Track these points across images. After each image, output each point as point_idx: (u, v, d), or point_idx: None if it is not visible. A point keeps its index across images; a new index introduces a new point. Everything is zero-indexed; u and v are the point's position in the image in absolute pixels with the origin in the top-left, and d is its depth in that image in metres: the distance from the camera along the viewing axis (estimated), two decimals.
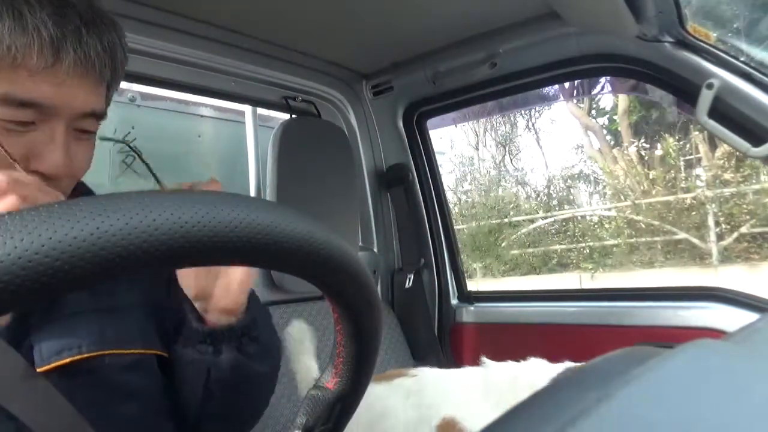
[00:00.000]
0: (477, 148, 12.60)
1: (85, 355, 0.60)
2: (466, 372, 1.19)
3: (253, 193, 1.60)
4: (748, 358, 0.31)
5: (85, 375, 0.60)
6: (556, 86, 8.48)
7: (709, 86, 1.09)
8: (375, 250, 1.69)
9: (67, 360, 0.59)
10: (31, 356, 0.58)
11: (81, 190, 0.71)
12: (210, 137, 3.42)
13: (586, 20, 1.21)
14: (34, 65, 0.55)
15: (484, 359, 1.18)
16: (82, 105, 0.60)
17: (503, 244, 9.56)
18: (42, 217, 0.24)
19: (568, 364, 1.03)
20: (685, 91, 1.17)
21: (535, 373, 1.04)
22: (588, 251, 8.90)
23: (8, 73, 0.55)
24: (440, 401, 1.12)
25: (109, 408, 0.62)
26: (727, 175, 7.60)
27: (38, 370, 0.57)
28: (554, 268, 9.11)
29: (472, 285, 2.15)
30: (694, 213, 7.90)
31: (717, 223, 7.58)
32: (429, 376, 1.20)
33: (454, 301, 1.67)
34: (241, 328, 0.63)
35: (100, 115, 0.64)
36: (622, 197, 9.20)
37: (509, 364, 1.15)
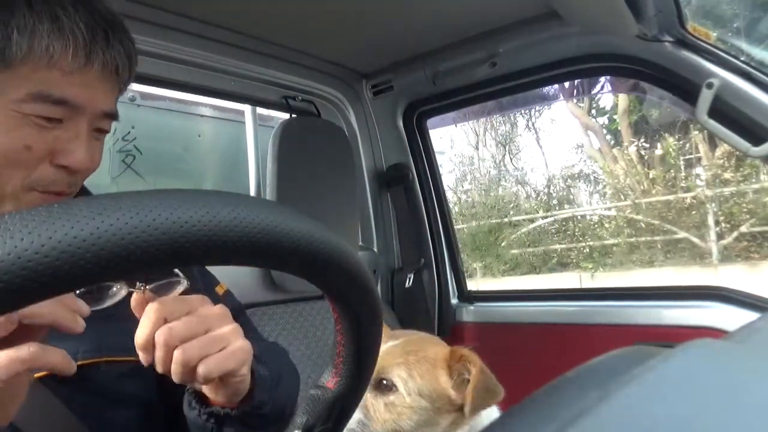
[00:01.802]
0: (477, 148, 12.60)
1: (82, 362, 0.60)
2: None
3: (253, 192, 1.60)
4: (748, 357, 0.31)
5: (81, 381, 0.60)
6: (556, 86, 8.48)
7: (709, 86, 1.09)
8: (375, 249, 1.69)
9: None
10: None
11: (82, 191, 0.71)
12: (210, 137, 3.42)
13: (586, 20, 1.21)
14: (68, 66, 0.58)
15: None
16: (104, 105, 0.64)
17: (503, 244, 9.55)
18: (42, 217, 0.24)
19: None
20: (685, 90, 1.17)
21: None
22: (588, 251, 8.90)
23: (44, 72, 0.58)
24: None
25: (105, 414, 0.62)
26: (727, 175, 7.60)
27: (35, 376, 0.57)
28: (554, 268, 9.11)
29: (472, 285, 2.15)
30: (694, 212, 7.90)
31: (717, 223, 7.58)
32: None
33: (454, 301, 1.67)
34: (242, 415, 0.61)
35: (114, 116, 0.67)
36: (622, 197, 9.20)
37: None
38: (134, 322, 0.69)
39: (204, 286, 0.84)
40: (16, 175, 0.60)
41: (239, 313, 0.85)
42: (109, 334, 0.64)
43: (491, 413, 0.89)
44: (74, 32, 0.58)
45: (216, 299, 0.80)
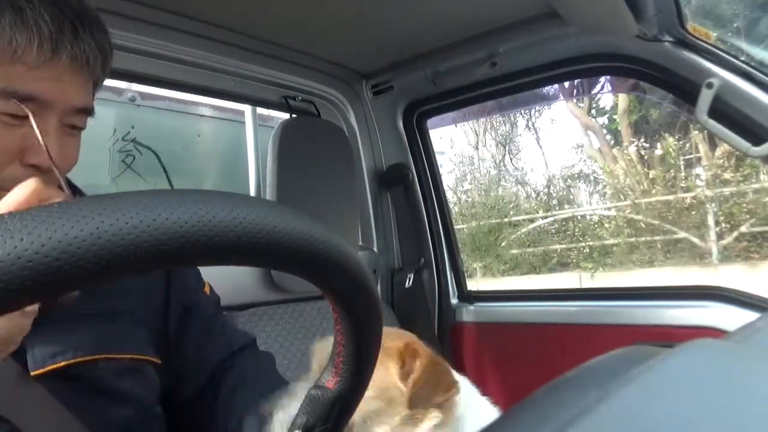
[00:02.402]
0: (477, 148, 12.60)
1: (79, 360, 0.60)
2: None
3: (252, 192, 1.60)
4: (748, 357, 0.31)
5: (78, 379, 0.60)
6: (556, 86, 8.49)
7: (709, 86, 1.09)
8: (375, 249, 1.69)
9: (62, 364, 0.59)
10: (24, 359, 0.58)
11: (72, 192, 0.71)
12: (210, 137, 3.42)
13: (586, 20, 1.21)
14: (33, 59, 0.55)
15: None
16: (75, 100, 0.61)
17: (503, 244, 9.55)
18: (42, 217, 0.24)
19: None
20: (685, 90, 1.17)
21: None
22: (588, 251, 8.90)
23: (7, 67, 0.55)
24: None
25: (103, 411, 0.62)
26: (727, 175, 7.60)
27: (32, 373, 0.57)
28: (554, 268, 9.11)
29: (472, 284, 2.15)
30: (693, 212, 7.91)
31: (717, 223, 7.59)
32: None
33: (454, 301, 1.67)
34: None
35: (89, 111, 0.64)
36: (621, 197, 9.20)
37: None
38: (130, 320, 0.69)
39: (194, 290, 0.84)
40: None
41: (217, 305, 0.87)
42: (106, 331, 0.64)
43: (481, 414, 0.88)
44: (39, 24, 0.55)
45: (205, 301, 0.83)
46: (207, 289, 0.86)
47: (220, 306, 0.88)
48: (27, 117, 0.57)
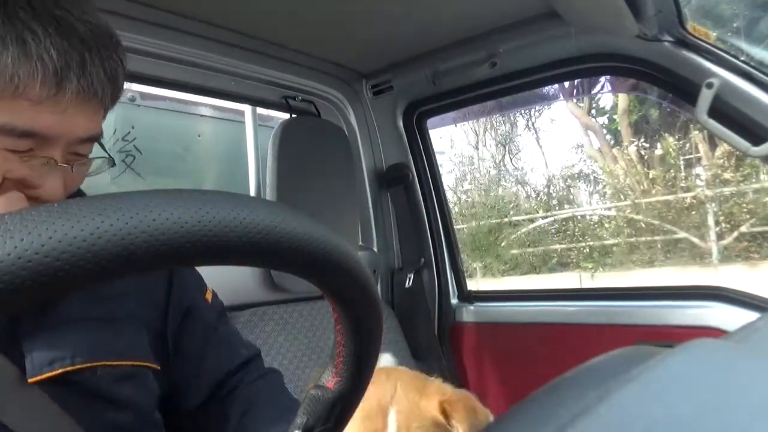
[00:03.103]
0: (477, 148, 12.60)
1: (77, 367, 0.60)
2: None
3: (253, 192, 1.60)
4: (748, 357, 0.31)
5: (77, 384, 0.60)
6: (556, 86, 8.49)
7: (709, 85, 1.09)
8: (375, 249, 1.69)
9: (59, 371, 0.58)
10: (22, 363, 0.58)
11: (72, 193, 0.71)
12: (210, 137, 3.42)
13: (586, 19, 1.21)
14: (36, 95, 0.53)
15: None
16: (81, 132, 0.58)
17: (503, 244, 9.55)
18: (42, 217, 0.24)
19: None
20: (685, 90, 1.17)
21: None
22: (588, 251, 8.90)
23: (9, 103, 0.53)
24: None
25: (101, 417, 0.62)
26: (727, 175, 7.60)
27: (29, 380, 0.57)
28: (554, 268, 9.11)
29: (472, 284, 2.15)
30: (694, 212, 7.91)
31: (717, 223, 7.59)
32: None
33: (454, 301, 1.67)
34: None
35: (95, 139, 0.62)
36: (622, 197, 9.20)
37: None
38: (129, 325, 0.68)
39: (194, 293, 0.82)
40: None
41: (222, 315, 0.85)
42: (106, 337, 0.64)
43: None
44: (43, 59, 0.52)
45: (206, 307, 0.82)
46: (209, 296, 0.85)
47: (224, 314, 0.85)
48: (30, 151, 0.55)
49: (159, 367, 0.70)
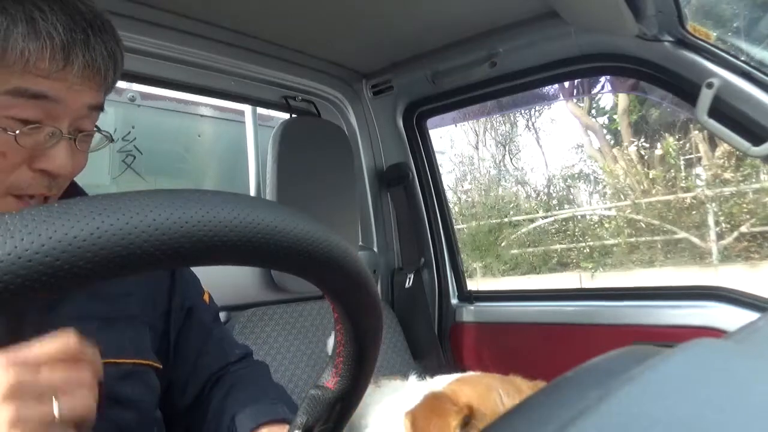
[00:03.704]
0: (477, 148, 12.61)
1: None
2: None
3: (253, 192, 1.60)
4: (748, 357, 0.31)
5: None
6: (556, 86, 8.48)
7: (709, 85, 1.09)
8: (375, 249, 1.69)
9: None
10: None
11: (72, 191, 0.71)
12: (210, 137, 3.42)
13: (585, 19, 1.21)
14: (45, 69, 0.56)
15: None
16: (86, 107, 0.61)
17: (503, 244, 9.56)
18: (42, 217, 0.24)
19: None
20: (685, 90, 1.17)
21: None
22: (588, 251, 8.90)
23: (21, 74, 0.56)
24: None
25: (102, 416, 0.62)
26: (727, 175, 7.60)
27: None
28: (554, 268, 9.12)
29: (472, 284, 2.15)
30: (694, 212, 7.91)
31: (717, 223, 7.59)
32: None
33: (454, 301, 1.67)
34: None
35: (101, 108, 0.65)
36: (622, 197, 9.20)
37: None
38: (132, 324, 0.69)
39: (194, 294, 0.84)
40: None
41: (216, 317, 0.87)
42: (107, 335, 0.64)
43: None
44: (51, 34, 0.55)
45: (204, 308, 0.84)
46: (206, 297, 0.87)
47: (218, 317, 0.88)
48: (37, 123, 0.57)
49: (161, 366, 0.72)
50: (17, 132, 0.57)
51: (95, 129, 0.66)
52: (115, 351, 0.64)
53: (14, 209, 0.55)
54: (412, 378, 1.09)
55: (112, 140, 0.70)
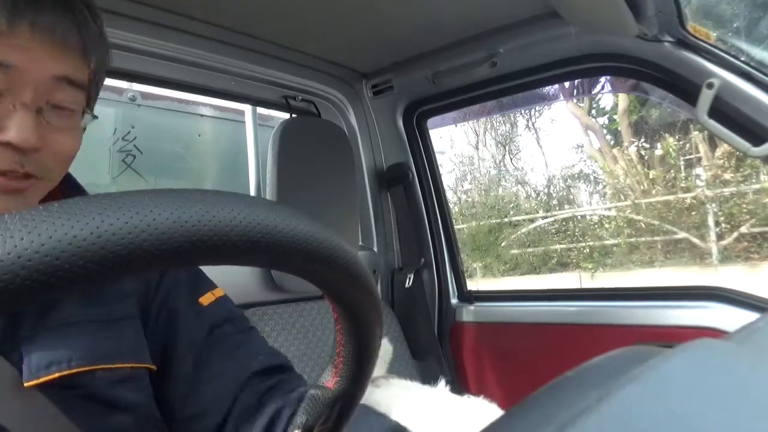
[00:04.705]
0: (477, 148, 12.61)
1: (75, 371, 0.58)
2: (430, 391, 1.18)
3: (253, 192, 1.60)
4: (748, 357, 0.31)
5: (75, 388, 0.59)
6: (556, 86, 8.48)
7: (710, 86, 1.09)
8: (375, 249, 1.69)
9: (56, 375, 0.57)
10: (21, 366, 0.57)
11: (70, 185, 0.69)
12: (210, 136, 3.42)
13: (586, 19, 1.21)
14: None
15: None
16: (49, 69, 0.56)
17: (503, 244, 9.56)
18: (42, 216, 0.24)
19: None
20: (685, 90, 1.17)
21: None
22: (588, 251, 8.90)
23: None
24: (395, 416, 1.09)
25: (101, 420, 0.61)
26: (727, 175, 7.60)
27: (26, 384, 0.56)
28: (554, 268, 9.12)
29: (472, 284, 2.15)
30: (694, 213, 7.91)
31: (717, 223, 7.59)
32: (390, 388, 1.18)
33: (454, 301, 1.67)
34: None
35: (78, 85, 0.59)
36: (622, 197, 9.20)
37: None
38: (128, 326, 0.66)
39: (186, 291, 0.73)
40: None
41: (224, 322, 0.74)
42: (104, 339, 0.62)
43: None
44: None
45: (197, 311, 0.72)
46: (208, 298, 0.74)
47: (233, 321, 0.75)
48: None
49: (155, 367, 0.68)
50: None
51: (82, 109, 0.61)
52: (110, 355, 0.62)
53: (1, 186, 0.54)
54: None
55: (94, 117, 0.65)
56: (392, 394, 1.13)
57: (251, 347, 0.73)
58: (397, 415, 0.95)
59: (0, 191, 0.55)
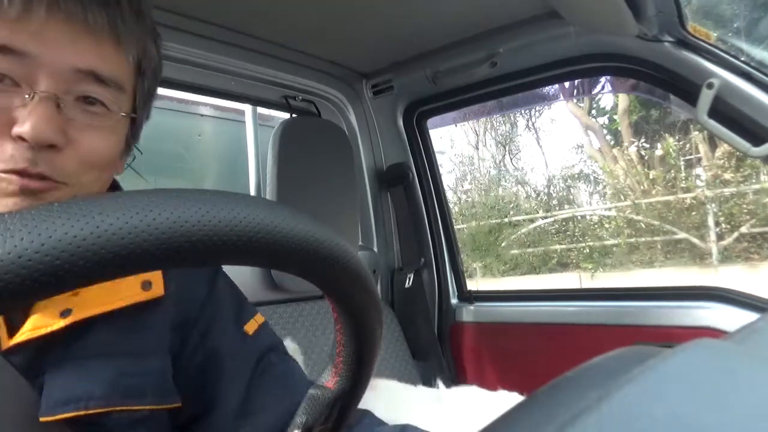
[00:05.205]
0: (477, 148, 12.61)
1: (91, 411, 0.55)
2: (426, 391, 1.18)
3: (253, 192, 1.60)
4: (748, 357, 0.31)
5: (90, 425, 0.55)
6: (556, 86, 8.48)
7: (710, 86, 1.09)
8: (375, 249, 1.69)
9: (72, 414, 0.54)
10: (41, 394, 0.54)
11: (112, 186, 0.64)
12: (210, 136, 3.42)
13: (586, 19, 1.21)
14: (5, 13, 0.48)
15: (440, 384, 1.17)
16: (70, 59, 0.51)
17: (503, 244, 9.56)
18: (42, 216, 0.24)
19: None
20: (686, 90, 1.17)
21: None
22: (588, 251, 8.90)
23: None
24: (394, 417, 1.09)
25: None
26: (727, 175, 7.60)
27: (41, 419, 0.53)
28: (554, 268, 9.12)
29: (472, 284, 2.15)
30: (694, 213, 7.91)
31: (717, 223, 7.59)
32: (387, 389, 1.18)
33: (453, 301, 1.67)
34: None
35: (109, 81, 0.53)
36: (622, 197, 9.20)
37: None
38: (154, 361, 0.60)
39: (219, 317, 0.67)
40: None
41: (268, 350, 0.68)
42: (128, 376, 0.57)
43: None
44: None
45: (244, 341, 0.66)
46: (251, 327, 0.68)
47: (276, 349, 0.70)
48: (14, 83, 0.49)
49: (180, 405, 0.62)
50: None
51: (110, 107, 0.54)
52: (132, 396, 0.57)
53: (16, 186, 0.49)
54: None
55: (132, 120, 0.59)
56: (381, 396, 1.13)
57: (295, 376, 0.70)
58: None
59: (15, 192, 0.50)
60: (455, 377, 1.61)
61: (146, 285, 0.59)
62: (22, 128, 0.49)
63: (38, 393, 0.54)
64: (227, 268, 0.70)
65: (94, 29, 0.51)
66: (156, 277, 0.60)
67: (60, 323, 0.53)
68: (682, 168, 8.49)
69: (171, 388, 0.61)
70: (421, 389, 1.21)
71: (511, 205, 10.67)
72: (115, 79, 0.54)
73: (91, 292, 0.55)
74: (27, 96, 0.49)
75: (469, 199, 11.65)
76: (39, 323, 0.53)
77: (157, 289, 0.60)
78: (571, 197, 10.94)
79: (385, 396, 1.14)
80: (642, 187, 8.72)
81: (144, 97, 0.62)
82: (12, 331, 0.53)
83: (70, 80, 0.51)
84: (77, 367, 0.55)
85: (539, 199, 11.14)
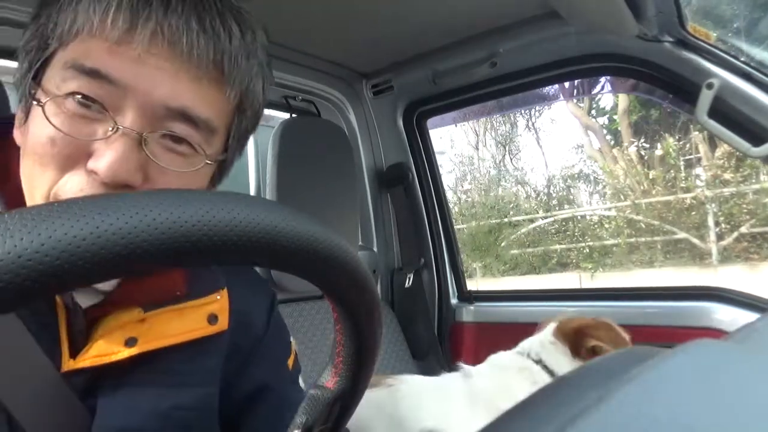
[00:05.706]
0: (477, 148, 12.61)
1: None
2: (448, 379, 1.19)
3: (253, 192, 1.60)
4: (748, 357, 0.31)
5: None
6: (556, 86, 8.48)
7: (709, 86, 1.09)
8: (375, 249, 1.69)
9: None
10: (93, 416, 0.51)
11: None
12: None
13: (586, 20, 1.21)
14: (108, 34, 0.45)
15: (462, 365, 1.19)
16: (164, 94, 0.47)
17: (503, 244, 9.56)
18: (42, 216, 0.24)
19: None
20: (685, 90, 1.17)
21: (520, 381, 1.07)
22: (588, 251, 8.90)
23: (86, 41, 0.46)
24: (419, 412, 1.10)
25: None
26: (727, 175, 7.60)
27: None
28: (554, 268, 9.12)
29: (472, 284, 2.15)
30: (693, 213, 7.91)
31: (717, 223, 7.59)
32: (406, 384, 1.18)
33: (453, 301, 1.67)
34: None
35: (200, 123, 0.49)
36: (622, 197, 9.20)
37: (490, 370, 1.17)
38: (206, 396, 0.58)
39: (281, 357, 0.66)
40: (43, 179, 0.46)
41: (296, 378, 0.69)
42: (179, 408, 0.54)
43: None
44: None
45: (288, 375, 0.66)
46: (291, 360, 0.68)
47: (298, 380, 0.69)
48: (100, 109, 0.46)
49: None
50: (68, 111, 0.45)
51: (207, 153, 0.50)
52: (180, 428, 0.55)
53: None
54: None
55: (220, 169, 0.56)
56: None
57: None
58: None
59: None
60: None
61: (212, 319, 0.56)
62: (97, 163, 0.45)
63: (90, 414, 0.51)
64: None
65: (196, 63, 0.47)
66: (222, 310, 0.57)
67: (124, 353, 0.50)
68: (682, 168, 8.49)
69: (215, 419, 0.60)
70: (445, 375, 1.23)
71: (511, 205, 10.67)
72: (207, 122, 0.50)
73: (158, 321, 0.53)
74: (110, 129, 0.46)
75: (469, 199, 11.66)
76: (103, 350, 0.50)
77: (223, 324, 0.57)
78: (571, 197, 10.95)
79: (405, 394, 1.14)
80: (642, 187, 8.72)
81: (239, 137, 0.58)
82: (73, 351, 0.50)
83: (160, 117, 0.48)
84: (132, 394, 0.53)
85: (539, 199, 11.14)
